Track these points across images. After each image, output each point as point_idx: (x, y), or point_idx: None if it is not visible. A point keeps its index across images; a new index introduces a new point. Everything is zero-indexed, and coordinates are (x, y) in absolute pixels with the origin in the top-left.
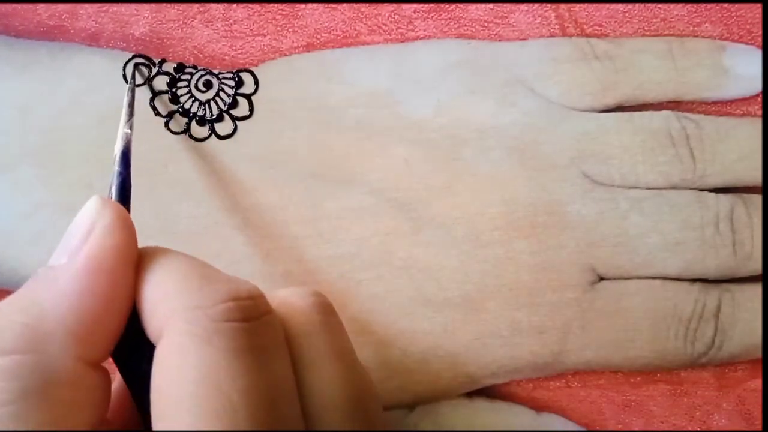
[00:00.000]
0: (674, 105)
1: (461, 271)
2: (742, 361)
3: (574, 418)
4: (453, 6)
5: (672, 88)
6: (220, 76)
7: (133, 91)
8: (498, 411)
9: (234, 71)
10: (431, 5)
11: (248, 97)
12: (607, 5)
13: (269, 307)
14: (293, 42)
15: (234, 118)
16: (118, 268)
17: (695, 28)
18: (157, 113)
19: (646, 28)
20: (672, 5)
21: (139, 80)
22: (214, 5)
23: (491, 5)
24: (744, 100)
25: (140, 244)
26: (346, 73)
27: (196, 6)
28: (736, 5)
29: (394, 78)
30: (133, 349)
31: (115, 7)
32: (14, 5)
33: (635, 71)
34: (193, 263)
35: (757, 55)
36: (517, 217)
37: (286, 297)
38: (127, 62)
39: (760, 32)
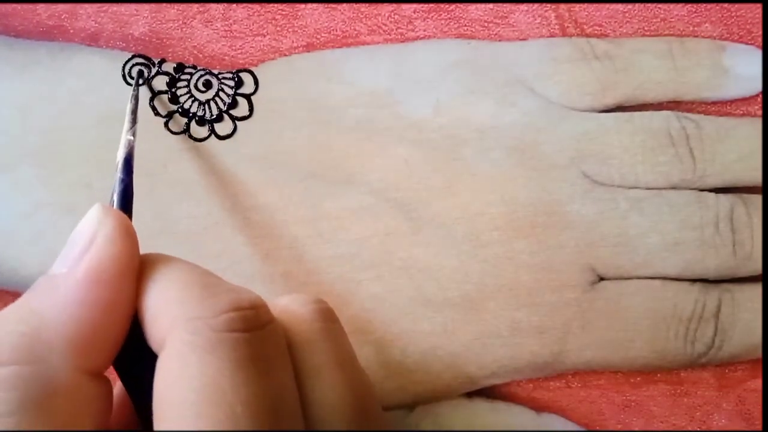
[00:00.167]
0: (674, 105)
1: (461, 271)
2: (742, 361)
3: (574, 418)
4: (453, 6)
5: (672, 88)
6: (220, 76)
7: (136, 98)
8: (498, 411)
9: (234, 71)
10: (431, 5)
11: (248, 97)
12: (607, 5)
13: (271, 317)
14: (293, 42)
15: (234, 118)
16: (119, 277)
17: (695, 28)
18: (157, 113)
19: (646, 28)
20: (672, 5)
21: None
22: (213, 5)
23: (491, 5)
24: (744, 100)
25: (140, 245)
26: (345, 73)
27: (195, 6)
28: (736, 5)
29: (394, 78)
30: (134, 358)
31: (114, 7)
32: (14, 5)
33: (635, 71)
34: (195, 271)
35: (757, 55)
36: (517, 217)
37: (288, 305)
38: (127, 62)
39: (760, 32)
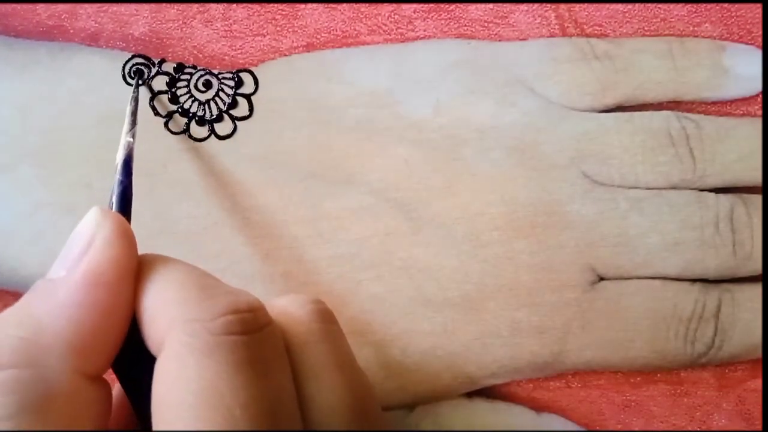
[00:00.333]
0: (674, 105)
1: (461, 271)
2: (742, 361)
3: (574, 418)
4: (453, 6)
5: (672, 88)
6: (220, 76)
7: (136, 100)
8: (498, 411)
9: (234, 71)
10: (431, 5)
11: (248, 97)
12: (607, 5)
13: (269, 319)
14: (293, 42)
15: (234, 118)
16: (117, 280)
17: (695, 28)
18: (157, 113)
19: (646, 28)
20: (672, 5)
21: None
22: (213, 5)
23: (491, 5)
24: (744, 100)
25: (140, 245)
26: (345, 73)
27: (195, 6)
28: (736, 5)
29: (394, 78)
30: (133, 360)
31: (114, 7)
32: (14, 5)
33: (635, 71)
34: (193, 273)
35: (757, 55)
36: (517, 217)
37: (285, 306)
38: (127, 62)
39: (760, 32)
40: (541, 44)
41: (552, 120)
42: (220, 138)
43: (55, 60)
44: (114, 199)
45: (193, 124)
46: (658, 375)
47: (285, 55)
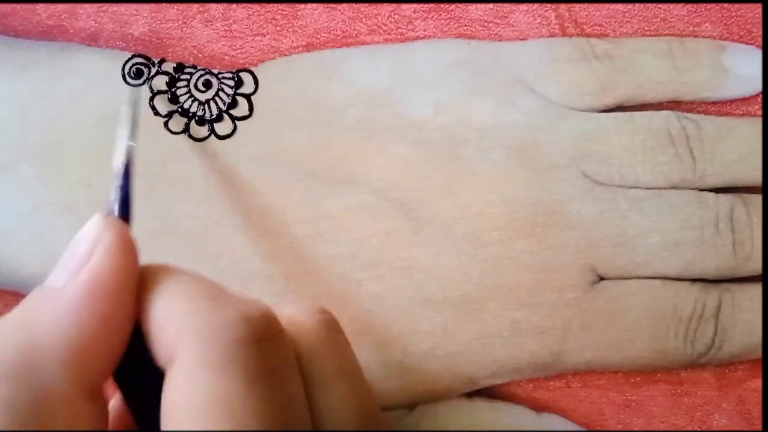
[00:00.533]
0: (674, 105)
1: (461, 271)
2: (742, 361)
3: (574, 418)
4: (453, 6)
5: (672, 88)
6: (220, 75)
7: (136, 103)
8: (498, 411)
9: (233, 71)
10: (431, 5)
11: (248, 96)
12: (607, 5)
13: (281, 327)
14: (293, 42)
15: (233, 118)
16: (117, 291)
17: (695, 28)
18: (157, 113)
19: (646, 28)
20: (672, 5)
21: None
22: (213, 5)
23: (491, 5)
24: (744, 100)
25: (140, 245)
26: (345, 73)
27: (195, 6)
28: (736, 5)
29: (394, 78)
30: (135, 371)
31: (114, 7)
32: (13, 5)
33: (635, 71)
34: (202, 283)
35: (757, 55)
36: (517, 217)
37: (293, 315)
38: (127, 62)
39: (760, 32)
40: (541, 44)
41: (552, 120)
42: (220, 138)
43: (55, 60)
44: (115, 206)
45: (193, 123)
46: (659, 375)
47: (285, 54)
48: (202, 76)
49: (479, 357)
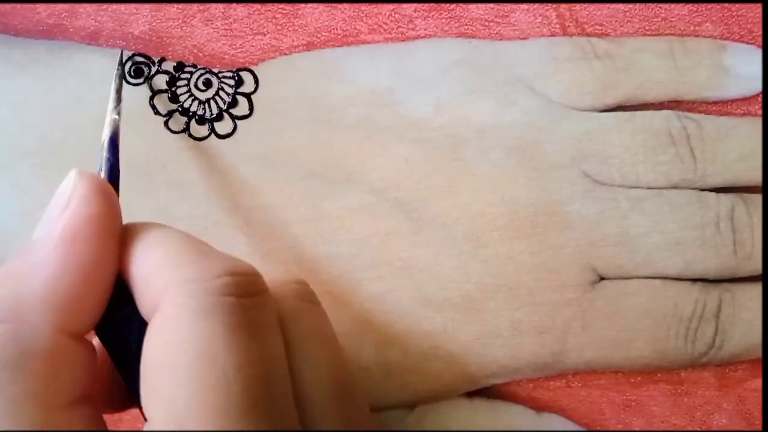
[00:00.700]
0: (675, 104)
1: (461, 271)
2: (742, 361)
3: (575, 418)
4: (453, 5)
5: (673, 88)
6: (220, 75)
7: (120, 78)
8: (498, 411)
9: (234, 70)
10: (432, 4)
11: (248, 96)
12: (608, 5)
13: (265, 286)
14: (293, 41)
15: (234, 117)
16: (96, 237)
17: (696, 28)
18: (157, 112)
19: (646, 28)
20: (673, 5)
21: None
22: (213, 4)
23: (492, 4)
24: (744, 99)
25: None
26: (346, 72)
27: (195, 5)
28: (737, 5)
29: (394, 77)
30: (119, 324)
31: (114, 6)
32: (13, 4)
33: (636, 71)
34: (188, 237)
35: (758, 54)
36: (517, 217)
37: (270, 282)
38: (127, 61)
39: (761, 32)
40: (542, 43)
41: (553, 119)
42: (220, 137)
43: (54, 59)
44: (102, 176)
45: (193, 123)
46: (659, 375)
47: (285, 53)
48: (202, 75)
49: (479, 357)
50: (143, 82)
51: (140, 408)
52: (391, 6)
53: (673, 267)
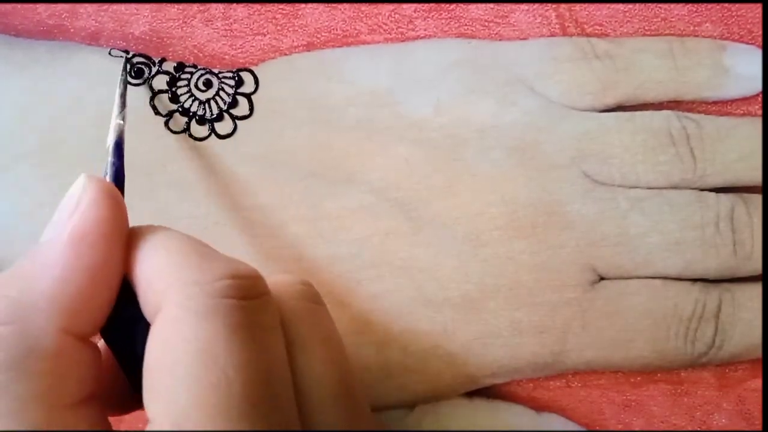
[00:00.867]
0: (674, 104)
1: (461, 271)
2: (742, 361)
3: (575, 418)
4: (453, 5)
5: (672, 88)
6: (220, 75)
7: (125, 83)
8: (498, 411)
9: (234, 70)
10: (431, 5)
11: (248, 96)
12: (608, 5)
13: (267, 288)
14: (293, 41)
15: (234, 118)
16: (103, 240)
17: (696, 28)
18: (157, 112)
19: (646, 28)
20: (672, 5)
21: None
22: (214, 4)
23: (492, 5)
24: (744, 99)
25: None
26: (346, 73)
27: (196, 5)
28: (737, 5)
29: (394, 77)
30: (125, 326)
31: (115, 6)
32: (14, 4)
33: (636, 71)
34: (191, 240)
35: (758, 54)
36: (517, 217)
37: (274, 283)
38: (127, 61)
39: (761, 32)
40: (542, 44)
41: (553, 119)
42: (221, 137)
43: (55, 59)
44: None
45: (193, 123)
46: (659, 375)
47: (285, 54)
48: (202, 75)
49: (479, 357)
50: (143, 83)
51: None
52: (391, 6)
53: (673, 267)
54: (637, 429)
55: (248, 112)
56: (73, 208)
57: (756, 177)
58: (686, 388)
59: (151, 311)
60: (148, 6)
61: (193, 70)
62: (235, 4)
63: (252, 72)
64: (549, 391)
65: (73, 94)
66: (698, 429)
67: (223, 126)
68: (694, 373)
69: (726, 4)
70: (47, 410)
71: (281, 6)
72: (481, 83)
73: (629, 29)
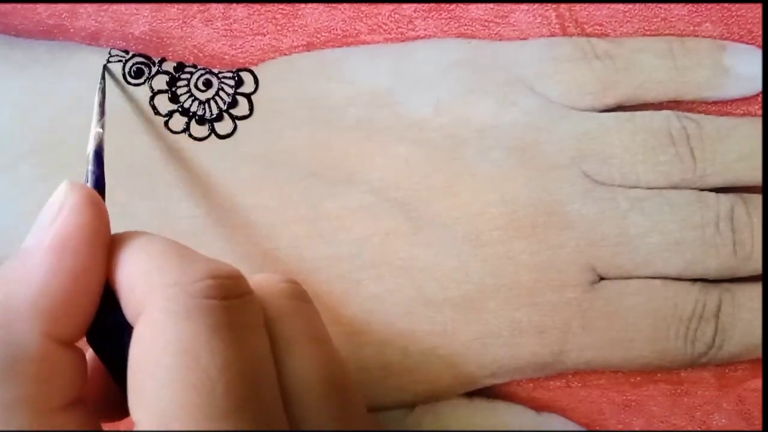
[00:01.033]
0: (674, 104)
1: (461, 271)
2: (742, 361)
3: (574, 418)
4: (453, 5)
5: (672, 88)
6: (220, 75)
7: (103, 91)
8: (498, 411)
9: (234, 70)
10: (431, 4)
11: (248, 96)
12: (608, 5)
13: (249, 288)
14: (293, 41)
15: (234, 118)
16: (86, 246)
17: (696, 28)
18: (157, 112)
19: (646, 28)
20: (672, 5)
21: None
22: (214, 4)
23: (492, 5)
24: (744, 99)
25: None
26: (346, 73)
27: (196, 5)
28: (737, 5)
29: (394, 77)
30: (110, 332)
31: (115, 6)
32: (14, 4)
33: (636, 71)
34: (172, 243)
35: (758, 54)
36: (517, 217)
37: (260, 282)
38: (127, 61)
39: (761, 32)
40: (542, 44)
41: (553, 119)
42: (220, 137)
43: (55, 59)
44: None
45: (193, 123)
46: (659, 375)
47: (285, 54)
48: (202, 75)
49: (479, 357)
50: (144, 83)
51: None
52: (391, 6)
53: (673, 267)
54: (637, 429)
55: (248, 112)
56: (54, 215)
57: (756, 177)
58: (686, 388)
59: (133, 314)
60: (148, 6)
61: (193, 70)
62: (235, 4)
63: (252, 72)
64: (549, 391)
65: (73, 94)
66: (698, 429)
67: (223, 126)
68: (694, 373)
69: (726, 4)
70: (35, 414)
71: (281, 6)
72: (481, 83)
73: (629, 29)
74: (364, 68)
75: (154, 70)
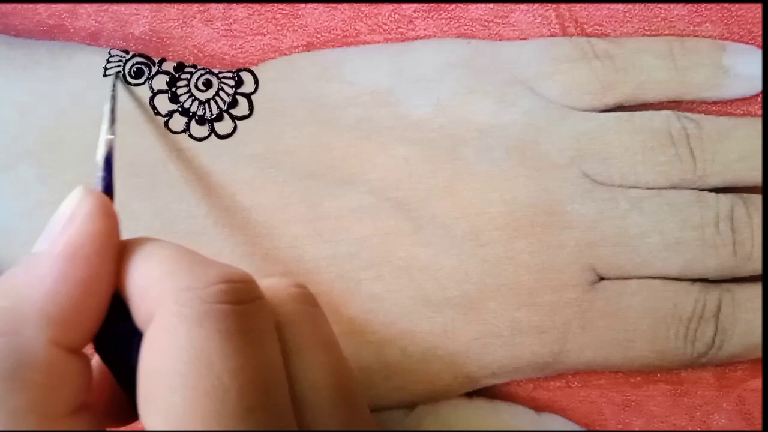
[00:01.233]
0: (674, 105)
1: (461, 271)
2: (742, 361)
3: (574, 418)
4: (453, 5)
5: (672, 88)
6: (220, 75)
7: (114, 98)
8: (498, 411)
9: (234, 70)
10: (431, 5)
11: (248, 96)
12: (608, 5)
13: (261, 293)
14: (293, 41)
15: (234, 118)
16: (97, 254)
17: (695, 28)
18: (157, 112)
19: (646, 28)
20: (672, 5)
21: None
22: (214, 4)
23: (491, 5)
24: (744, 100)
25: None
26: (346, 73)
27: (196, 5)
28: (737, 5)
29: (394, 77)
30: (117, 340)
31: (115, 7)
32: (14, 4)
33: (635, 71)
34: (182, 249)
35: (758, 54)
36: (517, 217)
37: (269, 287)
38: (127, 61)
39: (761, 32)
40: (542, 44)
41: (552, 119)
42: (220, 137)
43: (55, 59)
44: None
45: (193, 123)
46: (658, 375)
47: (285, 54)
48: (202, 75)
49: (479, 357)
50: (143, 83)
51: None
52: (390, 6)
53: (672, 267)
54: (637, 429)
55: (248, 112)
56: (67, 220)
57: (756, 177)
58: (686, 388)
59: (144, 320)
60: (148, 6)
61: (193, 70)
62: (235, 4)
63: (252, 72)
64: (549, 391)
65: (73, 95)
66: (698, 429)
67: (223, 126)
68: (694, 373)
69: (726, 4)
70: (42, 420)
71: (281, 6)
72: (481, 83)
73: (629, 29)
74: (364, 68)
75: (154, 70)
